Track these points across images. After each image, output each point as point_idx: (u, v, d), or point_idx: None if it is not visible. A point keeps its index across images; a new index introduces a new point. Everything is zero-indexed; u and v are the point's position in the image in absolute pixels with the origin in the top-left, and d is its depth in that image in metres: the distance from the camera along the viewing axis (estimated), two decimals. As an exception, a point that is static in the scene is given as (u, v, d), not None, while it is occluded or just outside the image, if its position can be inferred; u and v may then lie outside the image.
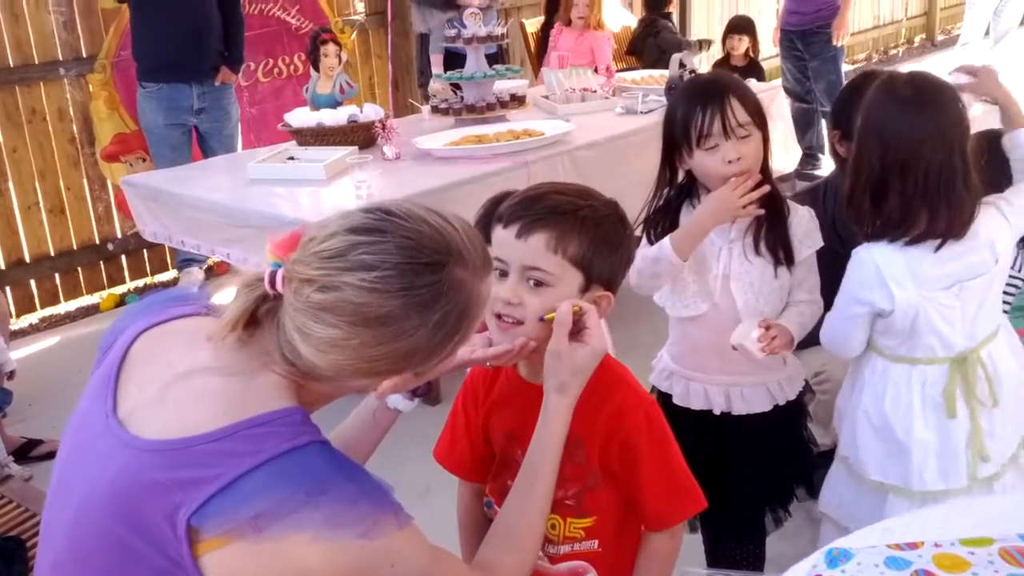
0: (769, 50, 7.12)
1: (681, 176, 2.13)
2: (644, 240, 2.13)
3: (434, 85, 4.90)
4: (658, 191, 2.15)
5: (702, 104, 1.99)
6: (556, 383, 1.44)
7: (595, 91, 4.74)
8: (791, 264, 2.08)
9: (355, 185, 3.32)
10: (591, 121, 4.31)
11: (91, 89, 5.05)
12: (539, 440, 1.45)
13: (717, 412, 2.15)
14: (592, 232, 1.46)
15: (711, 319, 2.10)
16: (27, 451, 3.50)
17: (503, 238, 1.48)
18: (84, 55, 5.03)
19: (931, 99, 1.91)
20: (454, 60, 5.05)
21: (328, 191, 3.46)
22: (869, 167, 1.92)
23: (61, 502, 1.26)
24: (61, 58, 4.97)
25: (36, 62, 4.89)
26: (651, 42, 6.30)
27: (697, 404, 2.16)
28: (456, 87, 4.45)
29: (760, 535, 2.29)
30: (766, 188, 2.01)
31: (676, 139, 2.06)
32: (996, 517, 1.36)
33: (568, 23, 5.61)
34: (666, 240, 2.03)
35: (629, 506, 1.56)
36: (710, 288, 2.09)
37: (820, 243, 2.12)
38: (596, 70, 5.23)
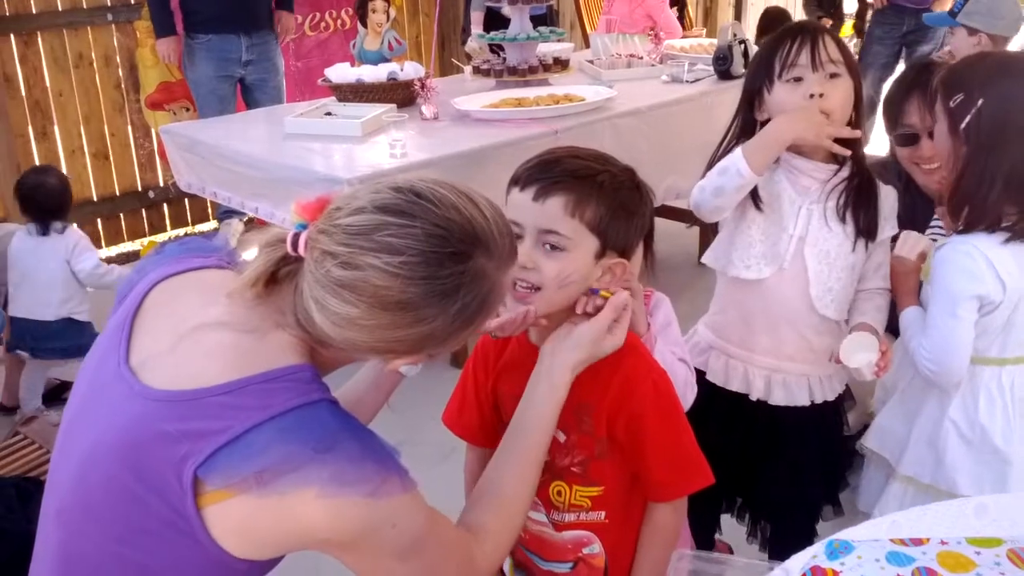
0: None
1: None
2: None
3: (471, 44, 4.83)
4: (728, 141, 1.98)
5: (792, 35, 1.86)
6: (577, 359, 1.44)
7: (642, 58, 4.65)
8: (872, 239, 1.93)
9: (390, 144, 3.30)
10: (636, 88, 4.23)
11: (138, 36, 5.07)
12: (530, 404, 1.44)
13: (754, 397, 2.01)
14: (610, 197, 1.44)
15: (772, 287, 1.94)
16: (59, 393, 3.56)
17: (519, 201, 1.46)
18: (132, 1, 5.06)
19: None
20: (495, 19, 4.97)
21: (363, 148, 3.44)
22: (1011, 162, 1.77)
23: (70, 448, 1.27)
24: (109, 3, 5.00)
25: (84, 6, 4.93)
26: None
27: (735, 385, 2.03)
28: (497, 48, 4.39)
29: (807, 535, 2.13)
30: (857, 132, 1.85)
31: (757, 77, 1.91)
32: (1009, 516, 1.32)
33: None
34: (737, 148, 1.85)
35: (636, 479, 1.54)
36: (781, 251, 1.92)
37: (897, 228, 1.98)
38: (654, 34, 5.13)
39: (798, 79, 1.84)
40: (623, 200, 1.46)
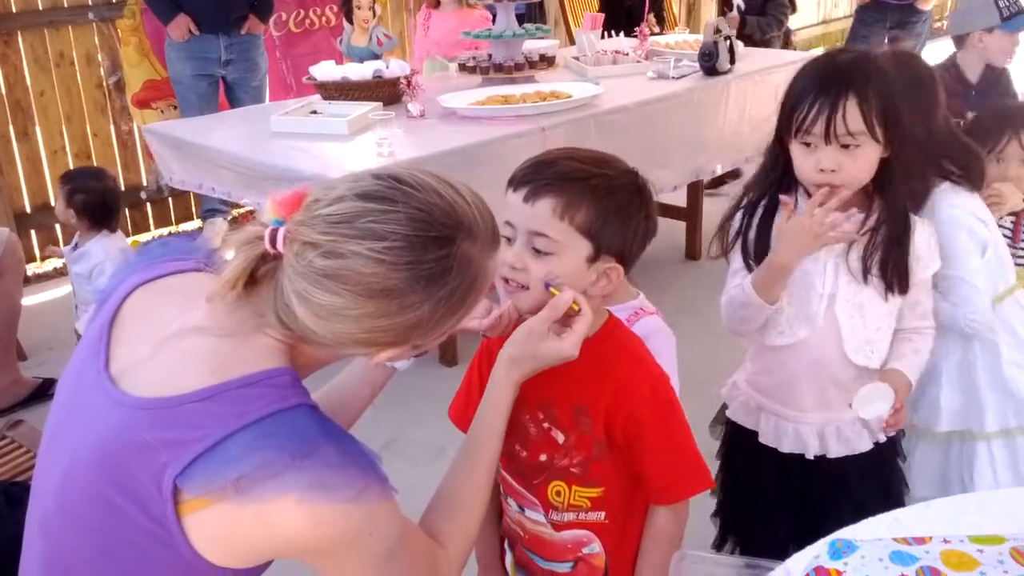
0: (806, 19, 6.86)
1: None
2: (735, 251, 1.92)
3: None
4: (765, 172, 1.90)
5: (815, 92, 1.73)
6: (511, 354, 1.42)
7: (627, 54, 4.65)
8: (904, 293, 1.84)
9: (377, 142, 3.27)
10: (622, 85, 4.22)
11: (120, 35, 5.03)
12: (482, 409, 1.44)
13: (811, 455, 1.93)
14: (603, 201, 1.42)
15: (809, 347, 1.87)
16: (46, 390, 3.54)
17: (512, 201, 1.45)
18: (113, 0, 5.01)
19: None
20: None
21: (349, 147, 3.41)
22: None
23: (52, 457, 1.25)
24: (90, 2, 4.96)
25: (65, 5, 4.89)
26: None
27: (787, 446, 1.95)
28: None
29: None
30: (853, 212, 1.74)
31: (780, 122, 1.81)
32: (1011, 513, 1.32)
33: (436, 5, 5.10)
34: (747, 283, 1.80)
35: (637, 481, 1.54)
36: (812, 312, 1.84)
37: (938, 264, 1.89)
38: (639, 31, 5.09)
39: (811, 146, 1.75)
40: (618, 204, 1.44)
